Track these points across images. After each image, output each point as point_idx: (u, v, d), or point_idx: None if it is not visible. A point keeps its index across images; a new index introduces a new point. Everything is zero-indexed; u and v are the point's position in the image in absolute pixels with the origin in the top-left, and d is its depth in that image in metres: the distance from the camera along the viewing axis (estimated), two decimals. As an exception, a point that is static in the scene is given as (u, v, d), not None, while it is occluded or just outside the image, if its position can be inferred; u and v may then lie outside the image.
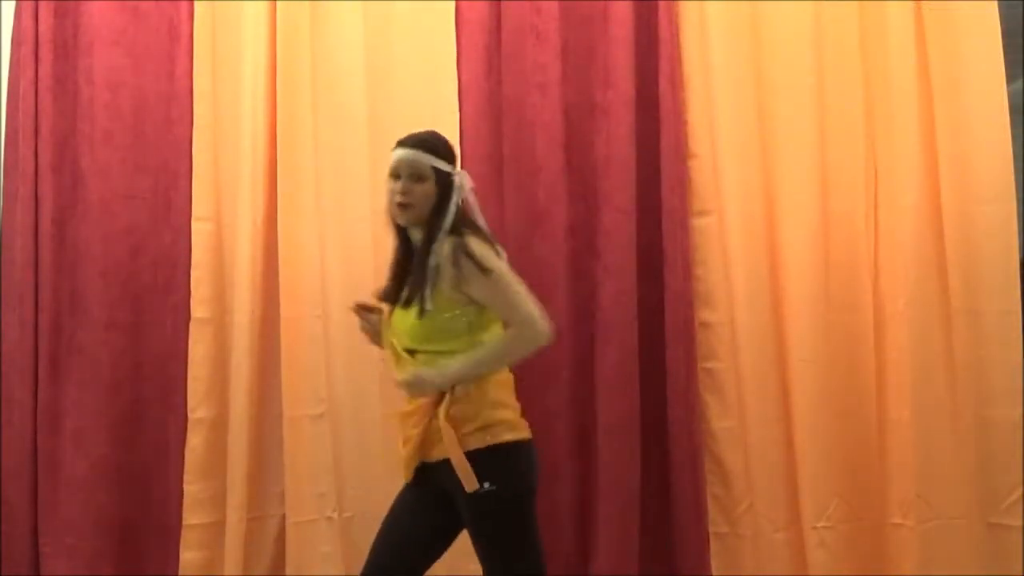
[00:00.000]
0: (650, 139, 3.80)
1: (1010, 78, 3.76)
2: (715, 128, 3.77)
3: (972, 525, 3.61)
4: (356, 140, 3.81)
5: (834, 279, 3.77)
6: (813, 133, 3.79)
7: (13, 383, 3.76)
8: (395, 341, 2.62)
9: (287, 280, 3.74)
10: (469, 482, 2.46)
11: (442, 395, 2.52)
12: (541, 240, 3.80)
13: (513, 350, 2.56)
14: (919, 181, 3.72)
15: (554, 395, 3.74)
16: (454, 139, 3.78)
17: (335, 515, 3.69)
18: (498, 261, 2.56)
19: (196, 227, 3.83)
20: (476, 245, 2.53)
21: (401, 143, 2.65)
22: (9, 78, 3.90)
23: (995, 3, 3.72)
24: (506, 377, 2.63)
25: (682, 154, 3.79)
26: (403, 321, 2.59)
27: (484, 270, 2.50)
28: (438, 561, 2.67)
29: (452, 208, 2.57)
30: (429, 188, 2.58)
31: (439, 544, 2.65)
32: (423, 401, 2.55)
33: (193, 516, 3.74)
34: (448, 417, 2.50)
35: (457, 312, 2.54)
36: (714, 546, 3.72)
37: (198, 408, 3.77)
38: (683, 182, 3.79)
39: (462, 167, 3.76)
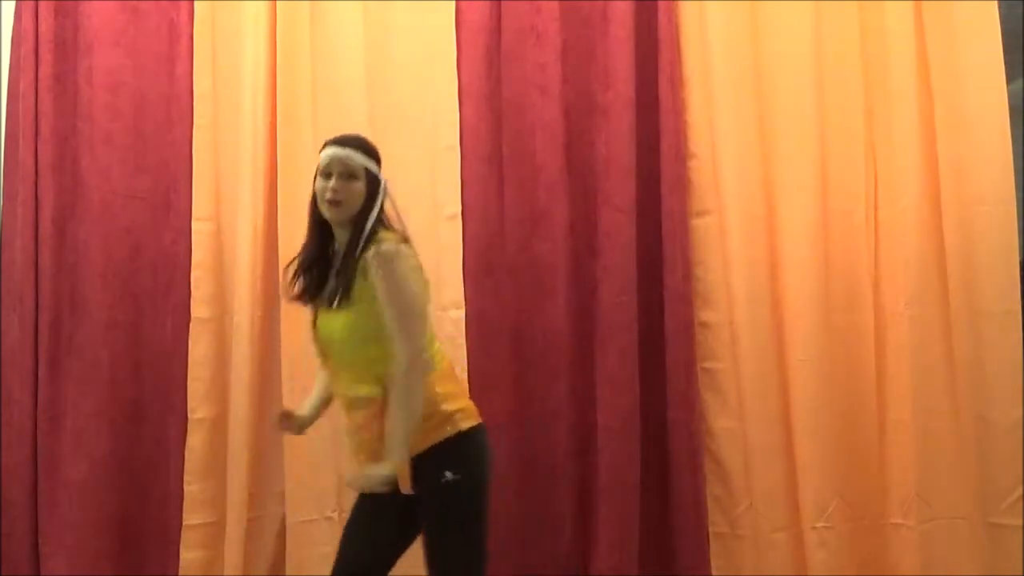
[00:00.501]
0: (650, 139, 3.80)
1: (1010, 78, 3.76)
2: (715, 128, 3.77)
3: (972, 525, 3.61)
4: (356, 141, 3.82)
5: (834, 279, 3.77)
6: (813, 133, 3.79)
7: (13, 383, 3.77)
8: (325, 349, 2.66)
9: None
10: (404, 485, 2.47)
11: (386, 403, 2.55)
12: (541, 240, 3.80)
13: (415, 387, 2.54)
14: (919, 181, 3.71)
15: (554, 395, 3.74)
16: (454, 139, 3.80)
17: (335, 515, 3.69)
18: (412, 285, 2.57)
19: (196, 227, 3.84)
20: (402, 261, 2.55)
21: (333, 142, 2.70)
22: (9, 78, 3.91)
23: (995, 3, 3.72)
24: (444, 368, 2.67)
25: (682, 154, 3.80)
26: (330, 323, 2.63)
27: (396, 288, 2.52)
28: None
29: (377, 209, 2.64)
30: (360, 188, 2.64)
31: (402, 543, 2.69)
32: (373, 411, 2.58)
33: (193, 516, 3.75)
34: None
35: (376, 306, 2.55)
36: (714, 546, 3.72)
37: (198, 408, 3.78)
38: (683, 182, 3.79)
39: (462, 166, 3.81)
